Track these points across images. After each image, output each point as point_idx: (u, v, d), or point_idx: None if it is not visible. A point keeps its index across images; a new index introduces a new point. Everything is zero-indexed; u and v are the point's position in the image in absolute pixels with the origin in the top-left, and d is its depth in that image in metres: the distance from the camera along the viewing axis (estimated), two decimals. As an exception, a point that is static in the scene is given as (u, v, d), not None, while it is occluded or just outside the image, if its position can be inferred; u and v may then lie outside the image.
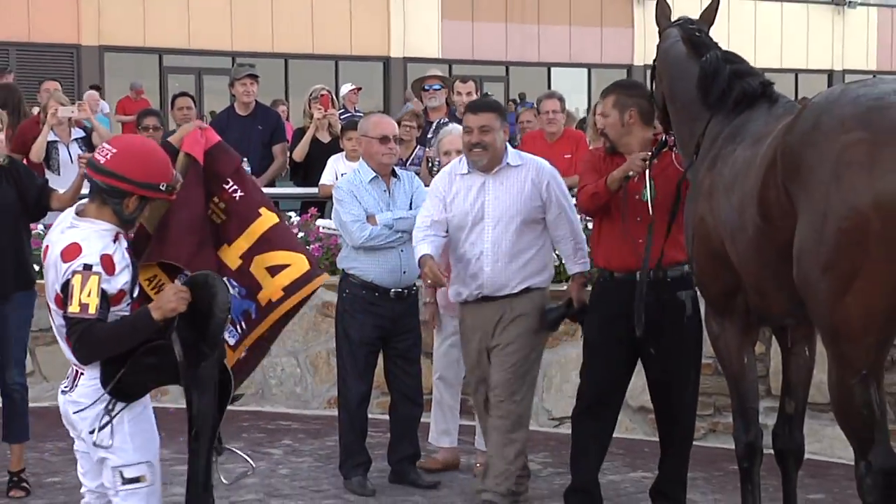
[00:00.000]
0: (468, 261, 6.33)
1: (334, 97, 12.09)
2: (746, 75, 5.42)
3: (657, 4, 6.05)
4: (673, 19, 5.97)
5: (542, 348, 6.57)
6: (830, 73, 33.25)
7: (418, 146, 11.08)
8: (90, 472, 4.75)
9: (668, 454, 6.39)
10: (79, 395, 4.59)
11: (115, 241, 4.58)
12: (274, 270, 5.03)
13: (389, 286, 6.93)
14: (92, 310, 4.42)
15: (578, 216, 6.74)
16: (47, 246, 4.64)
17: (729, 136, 5.26)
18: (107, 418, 4.55)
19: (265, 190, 10.11)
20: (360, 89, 16.82)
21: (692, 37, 5.69)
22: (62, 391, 4.68)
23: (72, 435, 4.77)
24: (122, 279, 4.56)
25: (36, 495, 6.94)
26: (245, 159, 10.63)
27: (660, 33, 5.98)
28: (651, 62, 6.22)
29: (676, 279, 6.12)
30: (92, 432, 4.56)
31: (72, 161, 10.81)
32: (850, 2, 34.46)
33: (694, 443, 7.98)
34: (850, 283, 4.27)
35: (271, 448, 7.95)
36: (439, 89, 10.84)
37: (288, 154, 10.93)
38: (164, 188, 4.71)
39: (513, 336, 6.31)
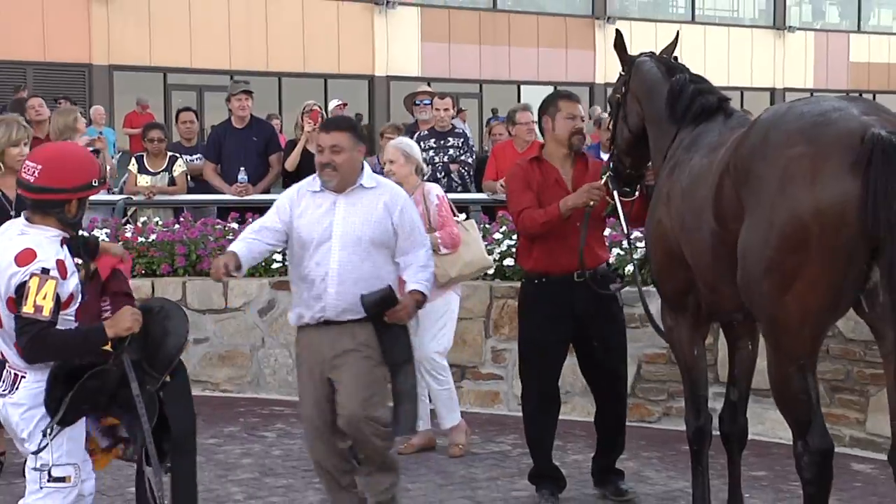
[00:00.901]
0: (312, 281, 5.46)
1: (324, 112, 12.08)
2: (707, 93, 5.46)
3: (616, 37, 6.04)
4: (635, 52, 6.01)
5: (385, 370, 5.56)
6: (773, 91, 33.36)
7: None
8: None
9: (613, 433, 6.40)
10: (20, 398, 4.45)
11: (62, 246, 4.48)
12: None
13: None
14: (46, 312, 4.30)
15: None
16: None
17: (687, 145, 5.28)
18: (46, 441, 4.42)
19: (263, 196, 10.20)
20: (345, 104, 16.80)
21: (667, 62, 5.74)
22: (0, 394, 4.51)
23: (11, 436, 4.64)
24: (72, 282, 4.46)
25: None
26: (242, 168, 10.66)
27: (622, 62, 5.99)
28: (614, 81, 6.23)
29: (605, 275, 6.34)
30: (37, 450, 4.42)
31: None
32: (789, 26, 34.59)
33: (649, 425, 8.02)
34: (791, 283, 4.29)
35: (266, 431, 7.94)
36: (429, 104, 10.89)
37: (282, 163, 10.93)
38: (96, 183, 4.65)
39: (358, 369, 5.44)
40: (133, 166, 10.95)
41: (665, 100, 5.56)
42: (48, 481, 4.48)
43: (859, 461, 6.75)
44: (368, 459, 5.54)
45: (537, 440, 6.34)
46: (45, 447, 4.43)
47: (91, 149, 10.93)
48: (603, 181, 5.96)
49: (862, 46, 35.99)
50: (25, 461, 4.63)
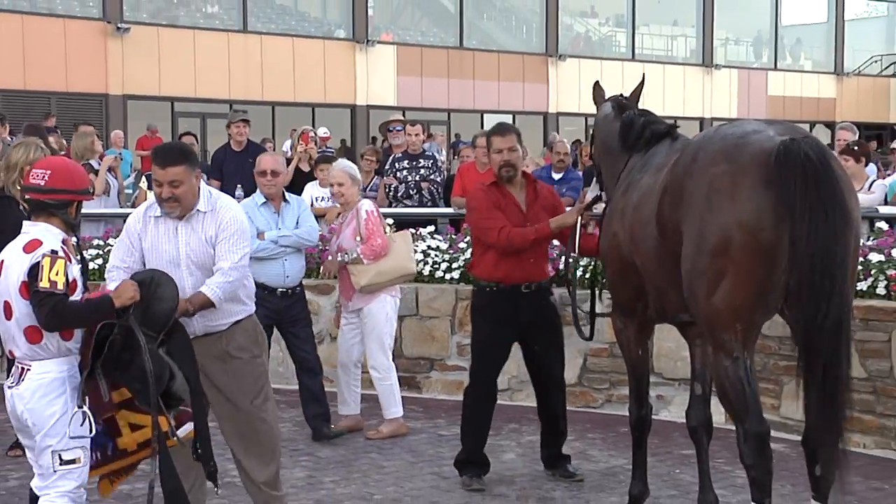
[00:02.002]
0: None
1: (316, 135, 12.13)
2: (656, 122, 5.49)
3: (594, 88, 6.00)
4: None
5: (266, 365, 5.34)
6: (701, 120, 33.50)
7: (376, 176, 11.10)
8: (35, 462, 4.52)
9: (555, 422, 6.32)
10: (25, 389, 4.39)
11: (63, 244, 4.46)
12: (133, 427, 4.71)
13: (276, 286, 7.02)
14: (60, 286, 4.28)
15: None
16: (1, 261, 4.43)
17: (639, 167, 5.28)
18: (79, 411, 4.38)
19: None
20: (328, 138, 16.86)
21: (620, 103, 5.73)
22: (8, 386, 4.45)
23: (14, 427, 4.54)
24: (76, 268, 4.44)
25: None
26: (239, 185, 10.65)
27: (595, 105, 5.99)
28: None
29: (546, 287, 6.25)
30: (70, 424, 4.37)
31: (113, 188, 10.86)
32: (716, 64, 34.78)
33: (593, 410, 8.04)
34: (719, 283, 4.29)
35: (259, 416, 7.90)
36: (401, 130, 10.91)
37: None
38: (91, 190, 4.79)
39: (240, 373, 5.12)
40: (143, 184, 10.96)
41: (617, 133, 5.57)
42: (60, 464, 4.42)
43: (774, 441, 6.75)
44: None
45: (474, 430, 6.21)
46: (75, 415, 4.37)
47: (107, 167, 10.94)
48: (588, 199, 5.99)
49: (778, 82, 36.24)
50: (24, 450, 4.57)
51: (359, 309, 7.23)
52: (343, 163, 7.73)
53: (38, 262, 4.30)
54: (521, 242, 6.00)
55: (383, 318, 7.23)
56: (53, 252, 4.33)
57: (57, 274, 4.29)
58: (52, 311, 4.29)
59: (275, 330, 7.24)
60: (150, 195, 10.54)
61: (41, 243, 4.36)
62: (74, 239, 4.62)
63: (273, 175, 7.14)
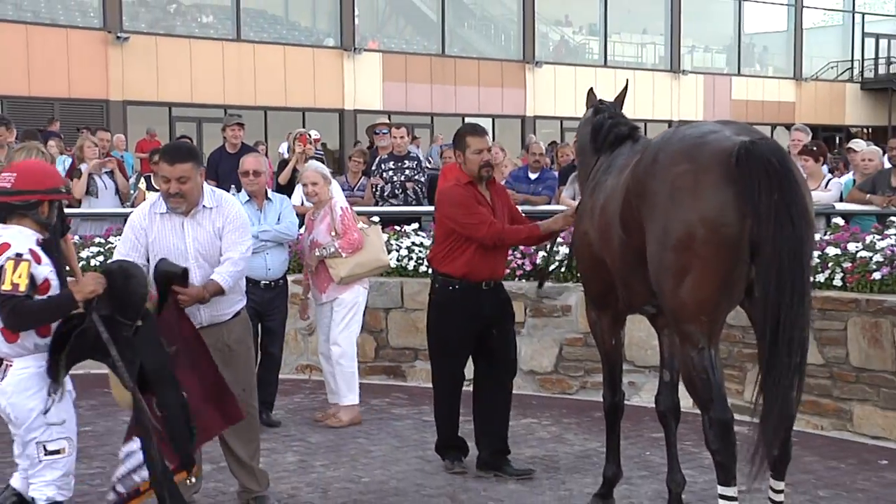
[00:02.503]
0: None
1: (310, 137, 12.11)
2: (620, 125, 5.44)
3: (588, 94, 5.87)
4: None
5: (254, 354, 5.53)
6: (670, 123, 33.50)
7: (363, 176, 11.08)
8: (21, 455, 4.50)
9: (503, 407, 6.14)
10: (6, 385, 4.33)
11: (37, 245, 4.40)
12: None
13: (259, 279, 6.94)
14: (22, 288, 4.23)
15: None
16: None
17: (605, 168, 5.26)
18: (51, 399, 4.34)
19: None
20: (319, 140, 16.83)
21: (597, 107, 5.67)
22: None
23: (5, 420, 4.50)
24: (46, 269, 4.37)
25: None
26: (233, 186, 10.66)
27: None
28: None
29: (501, 283, 6.13)
30: (45, 412, 4.33)
31: (106, 188, 10.76)
32: (683, 70, 34.84)
33: (568, 396, 8.05)
34: (683, 277, 4.26)
35: (253, 403, 7.87)
36: (387, 132, 10.90)
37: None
38: (64, 189, 4.68)
39: (237, 364, 5.22)
40: (143, 184, 10.88)
41: (589, 134, 5.55)
42: (45, 454, 4.39)
43: (738, 424, 6.80)
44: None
45: (447, 416, 6.14)
46: (51, 407, 4.33)
47: (105, 169, 10.86)
48: (565, 198, 5.94)
49: (741, 87, 36.33)
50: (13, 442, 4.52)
51: (333, 299, 7.21)
52: (315, 164, 7.76)
53: (1, 266, 4.26)
54: (512, 239, 5.98)
55: (354, 307, 7.23)
56: (18, 255, 4.28)
57: (20, 276, 4.24)
58: (11, 311, 4.25)
59: None
60: (150, 195, 10.53)
61: (8, 247, 4.32)
62: (50, 236, 4.54)
63: (255, 175, 7.17)
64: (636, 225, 4.54)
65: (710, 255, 4.18)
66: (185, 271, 4.91)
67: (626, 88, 5.77)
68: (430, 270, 6.23)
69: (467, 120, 29.78)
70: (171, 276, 4.85)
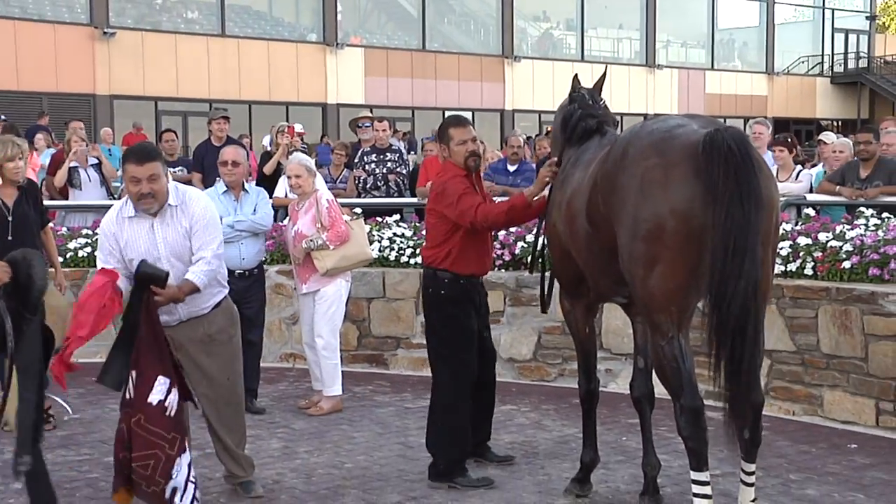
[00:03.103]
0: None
1: (297, 129, 12.09)
2: (588, 117, 5.34)
3: (573, 80, 5.64)
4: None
5: (239, 343, 5.35)
6: (645, 116, 33.56)
7: (346, 169, 11.05)
8: None
9: (492, 395, 6.00)
10: None
11: None
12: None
13: (234, 268, 6.82)
14: None
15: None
16: None
17: (573, 162, 5.21)
18: None
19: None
20: (304, 133, 16.77)
21: (571, 95, 5.54)
22: None
23: None
24: None
25: (61, 428, 6.77)
26: (218, 178, 10.60)
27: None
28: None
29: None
30: None
31: (90, 180, 10.67)
32: (658, 65, 34.92)
33: (547, 384, 8.05)
34: (653, 268, 4.23)
35: (238, 392, 7.84)
36: (369, 126, 10.87)
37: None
38: None
39: (220, 353, 5.17)
40: (129, 177, 10.80)
41: (560, 125, 5.50)
42: None
43: (710, 409, 6.83)
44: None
45: (465, 427, 5.65)
46: None
47: (92, 161, 10.80)
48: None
49: (715, 81, 36.45)
50: None
51: (315, 290, 7.18)
52: (298, 156, 7.70)
53: None
54: (496, 215, 5.46)
55: (337, 300, 7.18)
56: None
57: None
58: None
59: None
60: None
61: None
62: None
63: (234, 165, 7.15)
64: (602, 219, 4.52)
65: (679, 246, 4.16)
66: (167, 275, 4.81)
67: (604, 75, 5.68)
68: (423, 271, 5.78)
69: (447, 114, 29.80)
70: (154, 279, 4.77)
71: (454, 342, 5.63)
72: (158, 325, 4.76)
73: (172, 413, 4.60)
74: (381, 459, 6.10)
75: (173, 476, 4.53)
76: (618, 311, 6.44)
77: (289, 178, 7.33)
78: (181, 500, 4.56)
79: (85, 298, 4.66)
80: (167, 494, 4.54)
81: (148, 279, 4.76)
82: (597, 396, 5.46)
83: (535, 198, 5.42)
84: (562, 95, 5.81)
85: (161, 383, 4.60)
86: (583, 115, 5.36)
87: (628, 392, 5.45)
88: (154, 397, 4.57)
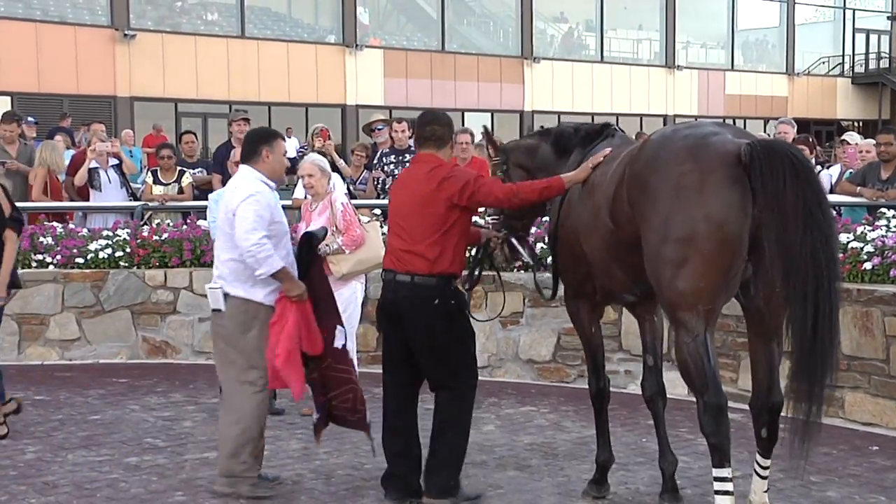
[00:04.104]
0: None
1: (330, 133, 12.11)
2: (584, 124, 5.48)
3: (484, 133, 5.78)
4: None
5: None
6: (665, 117, 33.53)
7: (365, 170, 11.07)
8: None
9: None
10: None
11: None
12: None
13: None
14: None
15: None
16: None
17: (579, 163, 5.21)
18: None
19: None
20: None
21: (530, 135, 5.75)
22: None
23: None
24: None
25: (81, 428, 6.81)
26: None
27: (494, 150, 5.70)
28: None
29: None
30: None
31: (110, 182, 10.70)
32: (678, 66, 34.80)
33: (566, 385, 8.05)
34: (684, 268, 4.29)
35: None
36: (383, 128, 10.88)
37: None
38: None
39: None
40: (149, 178, 10.85)
41: (551, 143, 5.49)
42: None
43: (732, 411, 6.80)
44: None
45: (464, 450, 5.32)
46: None
47: (113, 161, 10.84)
48: (497, 245, 5.56)
49: (735, 82, 36.28)
50: None
51: None
52: (312, 156, 7.69)
53: None
54: (530, 192, 5.11)
55: (353, 302, 7.07)
56: None
57: None
58: None
59: None
60: (156, 189, 10.54)
61: None
62: None
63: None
64: (626, 217, 4.57)
65: (712, 250, 4.24)
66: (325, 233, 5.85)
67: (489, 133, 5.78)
68: (422, 280, 5.10)
69: (466, 115, 29.79)
70: (317, 239, 5.62)
71: (473, 352, 5.36)
72: (328, 281, 5.61)
73: (349, 355, 5.66)
74: (400, 460, 6.09)
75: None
76: (637, 313, 6.41)
77: (302, 178, 7.31)
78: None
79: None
80: (368, 418, 5.52)
81: (313, 239, 5.54)
82: (608, 395, 5.46)
83: (570, 184, 5.08)
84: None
85: (339, 331, 5.43)
86: (577, 126, 5.47)
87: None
88: (338, 342, 5.40)
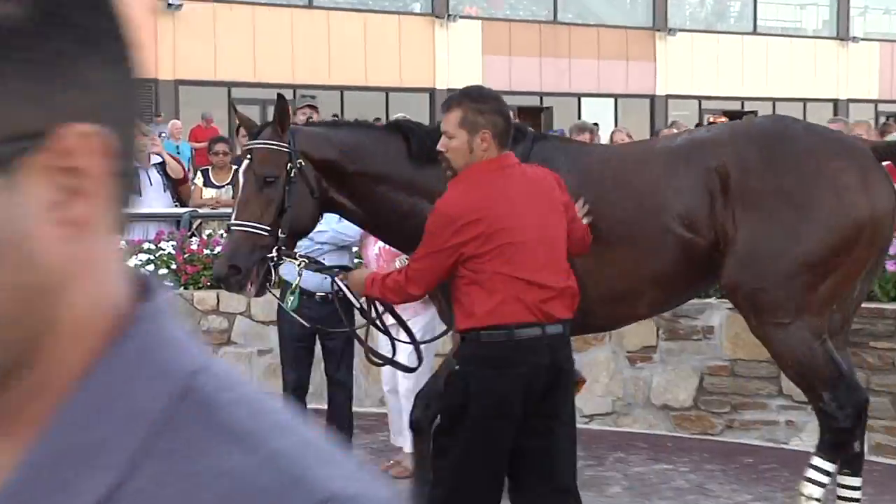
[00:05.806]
0: None
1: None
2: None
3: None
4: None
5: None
6: (836, 102, 33.06)
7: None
8: None
9: None
10: None
11: None
12: None
13: (314, 290, 6.71)
14: None
15: None
16: None
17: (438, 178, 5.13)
18: None
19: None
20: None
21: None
22: None
23: None
24: None
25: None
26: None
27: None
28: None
29: None
30: None
31: (151, 184, 10.92)
32: (853, 37, 34.28)
33: (711, 437, 7.98)
34: (829, 275, 4.92)
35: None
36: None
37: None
38: None
39: None
40: (199, 180, 11.00)
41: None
42: None
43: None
44: None
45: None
46: None
47: (157, 161, 11.07)
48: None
49: (927, 56, 35.64)
50: None
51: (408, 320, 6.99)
52: None
53: None
54: None
55: (430, 333, 6.68)
56: None
57: None
58: None
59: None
60: (206, 192, 10.74)
61: None
62: None
63: None
64: (719, 226, 5.02)
65: (867, 251, 4.99)
66: None
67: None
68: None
69: (583, 100, 29.78)
70: None
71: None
72: None
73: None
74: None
75: None
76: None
77: None
78: None
79: None
80: None
81: None
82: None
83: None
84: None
85: None
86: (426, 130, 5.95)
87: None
88: None
